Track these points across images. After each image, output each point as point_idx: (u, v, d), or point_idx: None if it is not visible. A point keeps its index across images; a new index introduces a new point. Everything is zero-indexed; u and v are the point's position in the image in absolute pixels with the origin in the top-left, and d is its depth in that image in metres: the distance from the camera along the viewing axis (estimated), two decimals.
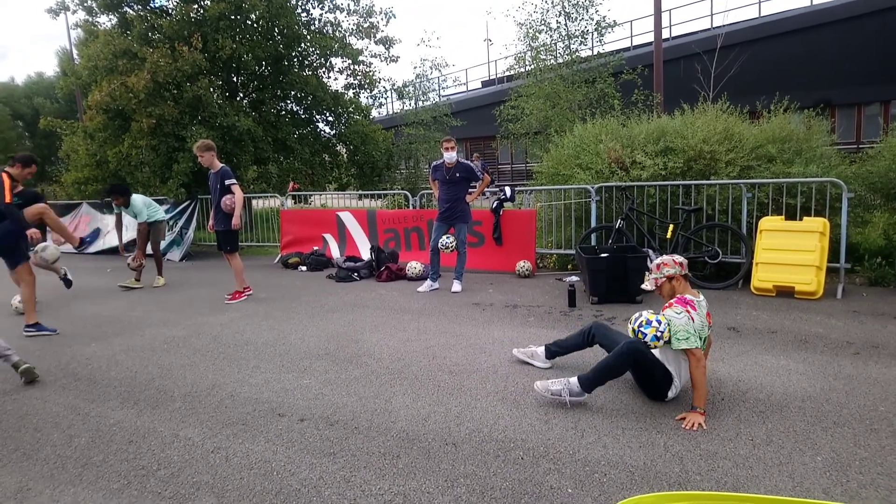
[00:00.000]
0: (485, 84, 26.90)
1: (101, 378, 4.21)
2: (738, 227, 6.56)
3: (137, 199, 7.93)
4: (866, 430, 2.98)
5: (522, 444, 2.97)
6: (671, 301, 3.38)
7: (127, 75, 10.90)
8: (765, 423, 3.09)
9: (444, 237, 6.87)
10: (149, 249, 8.07)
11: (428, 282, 7.03)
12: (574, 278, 6.62)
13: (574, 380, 3.37)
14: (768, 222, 6.26)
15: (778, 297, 5.94)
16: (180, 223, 11.17)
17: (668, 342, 3.28)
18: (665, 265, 3.50)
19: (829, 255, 6.03)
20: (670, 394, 3.39)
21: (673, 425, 3.10)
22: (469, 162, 6.97)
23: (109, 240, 11.98)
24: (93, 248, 12.16)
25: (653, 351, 3.38)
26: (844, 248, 6.12)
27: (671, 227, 6.74)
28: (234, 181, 6.57)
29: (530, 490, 2.54)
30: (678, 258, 3.53)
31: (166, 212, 11.17)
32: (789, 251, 5.98)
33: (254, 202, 13.02)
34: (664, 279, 3.50)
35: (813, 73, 15.57)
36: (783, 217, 6.28)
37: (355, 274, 7.99)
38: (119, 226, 8.32)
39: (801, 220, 6.17)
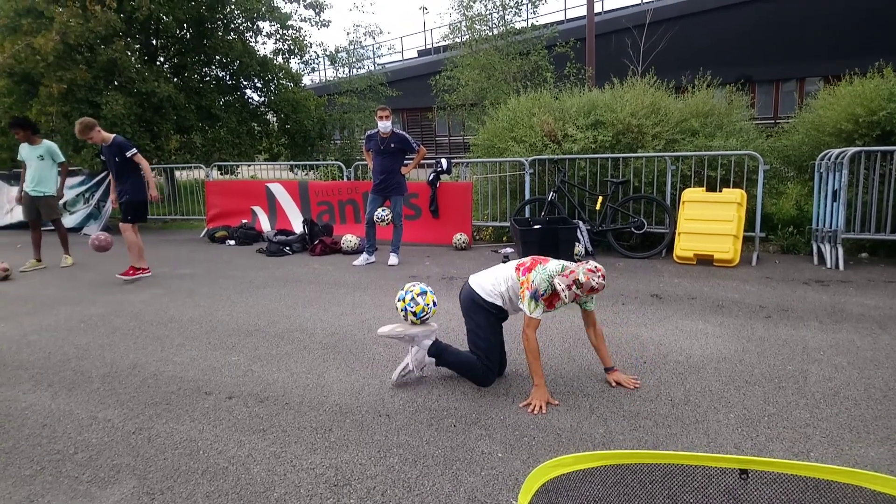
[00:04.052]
0: (421, 53, 26.45)
1: (11, 360, 3.95)
2: (662, 199, 6.82)
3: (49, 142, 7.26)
4: (775, 388, 3.19)
5: (455, 412, 3.01)
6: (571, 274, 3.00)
7: (33, 36, 10.04)
8: (683, 384, 3.26)
9: (380, 210, 6.78)
10: (50, 227, 7.46)
11: (364, 255, 6.95)
12: (508, 250, 6.72)
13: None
14: (690, 193, 6.53)
15: (698, 264, 6.23)
16: (97, 195, 10.52)
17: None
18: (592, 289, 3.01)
19: (746, 225, 6.37)
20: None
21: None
22: (404, 133, 6.87)
23: (18, 214, 11.13)
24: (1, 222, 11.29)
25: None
26: (760, 218, 6.47)
27: (600, 198, 6.93)
28: (134, 150, 6.14)
29: (462, 456, 2.58)
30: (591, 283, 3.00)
31: (81, 183, 10.53)
32: (709, 221, 6.27)
33: (177, 173, 12.43)
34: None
35: (736, 50, 16.17)
36: (704, 188, 6.57)
37: (287, 248, 7.79)
38: (22, 179, 7.24)
39: (720, 191, 6.48)
